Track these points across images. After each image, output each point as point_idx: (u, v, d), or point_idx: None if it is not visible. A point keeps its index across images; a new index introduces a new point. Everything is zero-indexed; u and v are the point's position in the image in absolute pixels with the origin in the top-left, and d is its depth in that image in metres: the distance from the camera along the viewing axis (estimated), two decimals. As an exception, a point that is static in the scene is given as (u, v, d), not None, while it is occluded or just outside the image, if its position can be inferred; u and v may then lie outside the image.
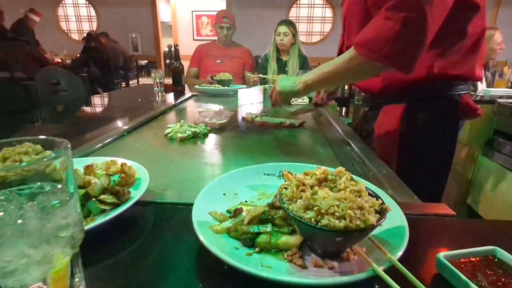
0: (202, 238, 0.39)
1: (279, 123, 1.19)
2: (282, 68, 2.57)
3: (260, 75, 2.36)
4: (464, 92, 0.90)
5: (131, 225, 0.50)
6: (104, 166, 0.61)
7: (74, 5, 6.14)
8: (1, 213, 0.26)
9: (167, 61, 7.22)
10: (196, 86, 2.07)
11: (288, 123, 1.19)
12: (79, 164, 0.60)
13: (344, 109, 3.47)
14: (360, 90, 1.12)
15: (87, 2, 6.09)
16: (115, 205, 0.49)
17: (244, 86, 2.18)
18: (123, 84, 5.20)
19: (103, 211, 0.48)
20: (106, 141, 0.94)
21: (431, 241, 0.48)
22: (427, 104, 0.90)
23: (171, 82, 2.08)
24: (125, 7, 6.03)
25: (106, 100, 2.00)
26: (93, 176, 0.55)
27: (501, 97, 2.08)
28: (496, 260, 0.39)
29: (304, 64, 2.54)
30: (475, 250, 0.40)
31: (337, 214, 0.35)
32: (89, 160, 0.64)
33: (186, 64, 2.21)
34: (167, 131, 1.04)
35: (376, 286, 0.36)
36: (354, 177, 0.43)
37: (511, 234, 0.50)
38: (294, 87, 0.93)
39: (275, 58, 2.57)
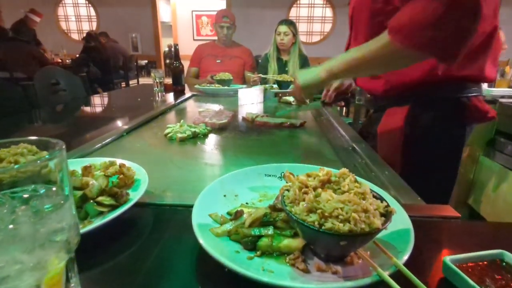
0: (202, 241, 0.38)
1: (280, 123, 1.18)
2: (282, 68, 2.56)
3: (260, 75, 2.35)
4: (473, 94, 0.84)
5: (129, 228, 0.49)
6: (102, 167, 0.60)
7: (74, 5, 6.13)
8: (-7, 217, 0.25)
9: (167, 61, 7.20)
10: (196, 86, 2.06)
11: (288, 123, 1.18)
12: (78, 164, 0.59)
13: (344, 109, 3.46)
14: (365, 91, 1.09)
15: (87, 2, 6.08)
16: (113, 207, 0.48)
17: (244, 86, 2.17)
18: (123, 84, 5.19)
19: (101, 213, 0.47)
20: (105, 142, 0.93)
21: (436, 244, 0.47)
22: (431, 107, 0.86)
23: (171, 82, 2.07)
24: (125, 7, 6.02)
25: (105, 100, 1.99)
26: (91, 177, 0.54)
27: (502, 97, 2.07)
28: (504, 264, 0.38)
29: (305, 64, 2.53)
30: (482, 254, 0.39)
31: (341, 217, 0.34)
32: (87, 161, 0.63)
33: (186, 64, 2.20)
34: (167, 131, 1.03)
35: (381, 291, 0.35)
36: (358, 178, 0.42)
37: (517, 236, 0.49)
38: (317, 77, 0.85)
39: (276, 57, 2.56)
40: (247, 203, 0.52)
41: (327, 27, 5.81)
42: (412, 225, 0.42)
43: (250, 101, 1.65)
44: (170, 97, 1.88)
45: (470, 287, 0.34)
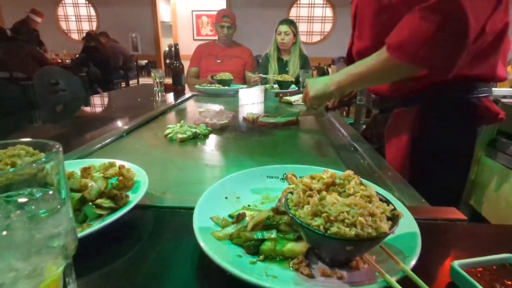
0: (203, 245, 0.37)
1: (282, 123, 1.17)
2: (283, 67, 2.55)
3: (261, 74, 2.34)
4: (484, 95, 0.82)
5: (129, 231, 0.48)
6: (101, 168, 0.59)
7: (74, 4, 6.13)
8: (-14, 223, 0.24)
9: (167, 61, 7.20)
10: (197, 86, 2.05)
11: (289, 119, 1.18)
12: (76, 166, 0.58)
13: (345, 109, 3.44)
14: (370, 91, 1.07)
15: (86, 2, 6.08)
16: (113, 210, 0.47)
17: (245, 86, 2.16)
18: (123, 84, 5.18)
19: (100, 216, 0.46)
20: (105, 142, 0.92)
21: (443, 247, 0.46)
22: (441, 108, 0.83)
23: (171, 82, 2.05)
24: (125, 7, 6.01)
25: (105, 100, 1.98)
26: (90, 179, 0.53)
27: (504, 97, 2.05)
28: (513, 268, 0.37)
29: (305, 64, 2.52)
30: (491, 258, 0.38)
31: (347, 221, 0.33)
32: (86, 162, 0.62)
33: (186, 64, 2.19)
34: (167, 131, 1.02)
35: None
36: (363, 180, 0.41)
37: (525, 239, 0.48)
38: (327, 89, 0.90)
39: (276, 57, 2.55)
40: (249, 206, 0.51)
41: (327, 27, 5.81)
42: (418, 229, 0.41)
43: (251, 101, 1.64)
44: (170, 97, 1.88)
45: (480, 293, 0.33)
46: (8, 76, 3.53)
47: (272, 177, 0.59)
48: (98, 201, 0.47)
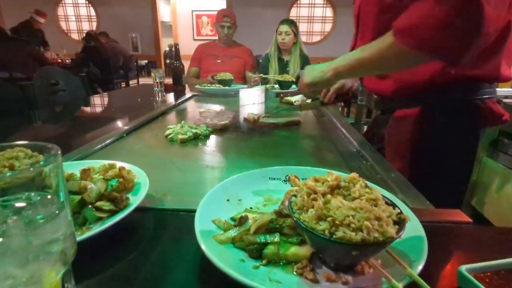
0: (205, 248, 0.37)
1: (284, 123, 1.17)
2: (283, 67, 2.54)
3: (261, 75, 2.33)
4: (487, 96, 0.80)
5: (129, 234, 0.47)
6: (101, 170, 0.59)
7: (74, 4, 6.11)
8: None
9: (167, 61, 7.19)
10: (197, 86, 2.05)
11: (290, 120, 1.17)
12: (76, 167, 0.58)
13: (345, 109, 3.43)
14: (370, 91, 1.06)
15: (86, 2, 6.07)
16: (113, 213, 0.46)
17: (245, 86, 2.16)
18: (123, 84, 5.17)
19: (100, 219, 0.45)
20: (104, 143, 0.92)
21: (448, 251, 0.45)
22: (443, 109, 0.81)
23: (171, 82, 2.05)
24: (125, 7, 6.00)
25: (105, 100, 1.98)
26: (90, 180, 0.52)
27: (506, 97, 2.05)
28: (522, 273, 0.36)
29: (306, 64, 2.51)
30: (500, 263, 0.37)
31: (353, 225, 0.32)
32: (86, 163, 0.61)
33: (186, 64, 2.18)
34: (168, 132, 1.01)
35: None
36: (368, 183, 0.40)
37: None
38: (323, 76, 0.86)
39: (277, 57, 2.54)
40: (251, 208, 0.50)
41: (328, 27, 5.79)
42: (424, 232, 0.40)
43: (252, 102, 1.63)
44: (171, 97, 1.87)
45: (488, 299, 0.32)
46: (8, 76, 3.52)
47: (274, 178, 0.59)
48: (98, 203, 0.46)
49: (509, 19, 0.72)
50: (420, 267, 0.34)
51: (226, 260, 0.37)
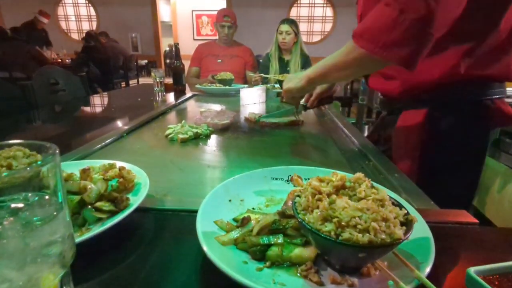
0: (207, 250, 0.36)
1: (285, 123, 1.16)
2: (284, 67, 2.53)
3: (262, 74, 2.32)
4: (497, 96, 0.78)
5: (129, 235, 0.46)
6: (101, 169, 0.58)
7: (74, 4, 6.11)
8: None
9: (167, 60, 7.18)
10: (197, 86, 2.04)
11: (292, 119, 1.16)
12: (76, 167, 0.57)
13: (346, 109, 3.43)
14: (374, 91, 1.05)
15: (86, 2, 6.06)
16: (113, 213, 0.45)
17: (246, 85, 2.15)
18: (123, 84, 5.17)
19: (100, 220, 0.45)
20: (104, 143, 0.91)
21: (455, 252, 0.44)
22: (452, 110, 0.79)
23: (172, 82, 2.04)
24: (125, 7, 6.00)
25: (105, 100, 1.97)
26: (90, 180, 0.52)
27: (508, 96, 2.04)
28: (532, 275, 0.35)
29: (306, 64, 2.50)
30: (508, 265, 0.36)
31: (359, 227, 0.31)
32: (86, 163, 0.61)
33: (186, 64, 2.17)
34: (168, 132, 1.00)
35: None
36: (374, 184, 0.39)
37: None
38: (298, 83, 0.89)
39: (277, 57, 2.53)
40: (253, 209, 0.49)
41: (328, 26, 5.79)
42: (431, 233, 0.39)
43: (252, 101, 1.63)
44: (171, 97, 1.86)
45: (498, 302, 0.31)
46: (8, 76, 3.51)
47: (276, 178, 0.58)
48: (98, 204, 0.45)
49: None
50: (428, 269, 0.33)
51: (229, 261, 0.36)
